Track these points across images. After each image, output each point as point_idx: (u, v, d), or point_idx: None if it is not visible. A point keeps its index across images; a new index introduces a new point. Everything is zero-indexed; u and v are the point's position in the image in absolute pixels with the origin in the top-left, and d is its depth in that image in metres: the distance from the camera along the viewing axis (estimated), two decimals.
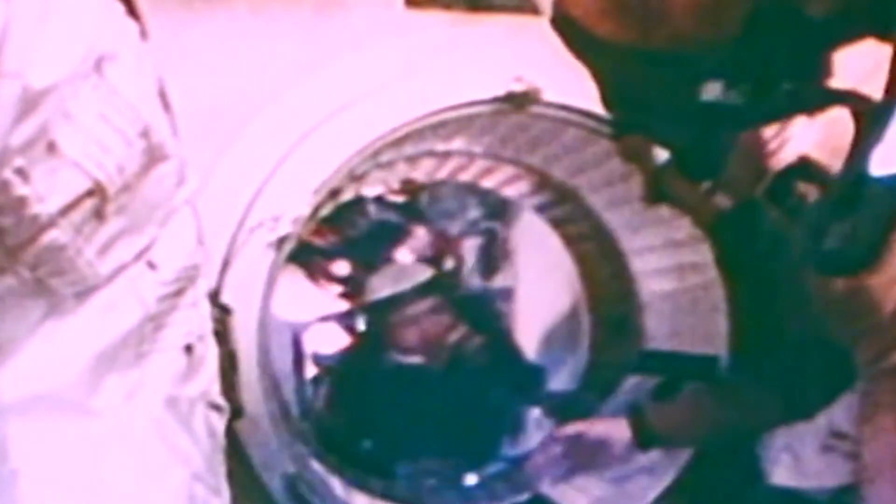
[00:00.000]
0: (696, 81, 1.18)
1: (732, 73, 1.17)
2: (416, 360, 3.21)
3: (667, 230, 2.44)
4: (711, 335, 2.40)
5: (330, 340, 3.45)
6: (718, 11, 1.12)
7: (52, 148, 0.99)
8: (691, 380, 2.41)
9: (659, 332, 2.60)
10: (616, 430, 2.09)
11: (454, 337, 3.30)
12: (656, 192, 1.94)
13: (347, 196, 2.75)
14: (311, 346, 3.34)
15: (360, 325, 3.42)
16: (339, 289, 3.50)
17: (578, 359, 2.96)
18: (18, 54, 0.91)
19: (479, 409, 3.14)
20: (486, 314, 3.61)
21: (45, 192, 1.00)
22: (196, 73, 1.87)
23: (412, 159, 2.59)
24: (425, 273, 3.34)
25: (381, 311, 3.26)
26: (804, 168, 1.66)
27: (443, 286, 3.38)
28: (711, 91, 1.17)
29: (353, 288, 3.44)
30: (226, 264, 1.95)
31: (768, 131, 1.68)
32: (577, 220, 2.75)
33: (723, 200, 1.79)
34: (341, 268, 3.45)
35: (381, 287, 3.29)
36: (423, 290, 3.27)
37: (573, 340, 3.00)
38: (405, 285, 3.27)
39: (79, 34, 0.98)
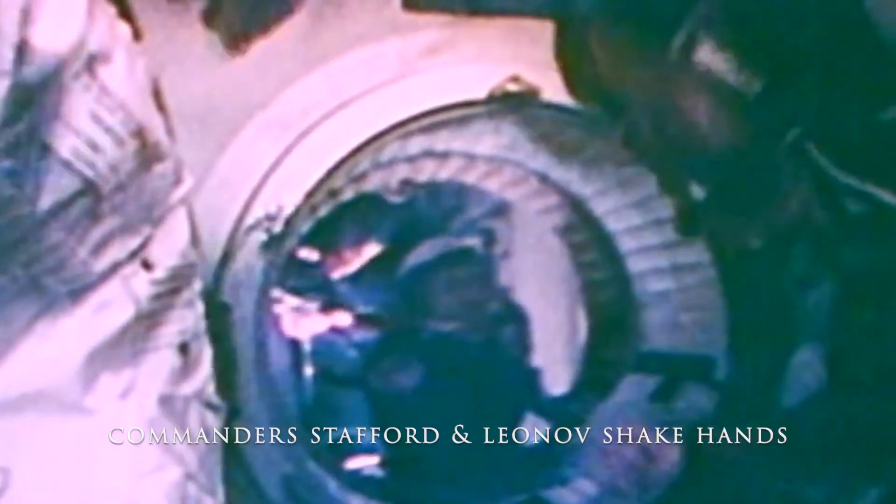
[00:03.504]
0: None
1: None
2: (453, 325, 3.21)
3: (664, 231, 2.44)
4: (709, 335, 2.40)
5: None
6: None
7: (42, 148, 0.99)
8: (689, 380, 2.41)
9: (656, 333, 2.59)
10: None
11: (494, 307, 3.32)
12: (691, 225, 1.98)
13: (347, 196, 2.75)
14: None
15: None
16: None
17: (576, 359, 2.95)
18: (5, 54, 0.91)
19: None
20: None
21: (36, 191, 1.00)
22: (195, 72, 1.87)
23: (412, 160, 2.59)
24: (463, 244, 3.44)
25: (420, 278, 3.32)
26: None
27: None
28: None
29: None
30: (224, 263, 1.95)
31: None
32: (576, 221, 2.75)
33: (754, 240, 1.81)
34: (308, 254, 3.50)
35: (421, 255, 3.39)
36: (461, 259, 3.34)
37: (571, 340, 3.00)
38: (442, 250, 3.39)
39: (67, 34, 0.98)
